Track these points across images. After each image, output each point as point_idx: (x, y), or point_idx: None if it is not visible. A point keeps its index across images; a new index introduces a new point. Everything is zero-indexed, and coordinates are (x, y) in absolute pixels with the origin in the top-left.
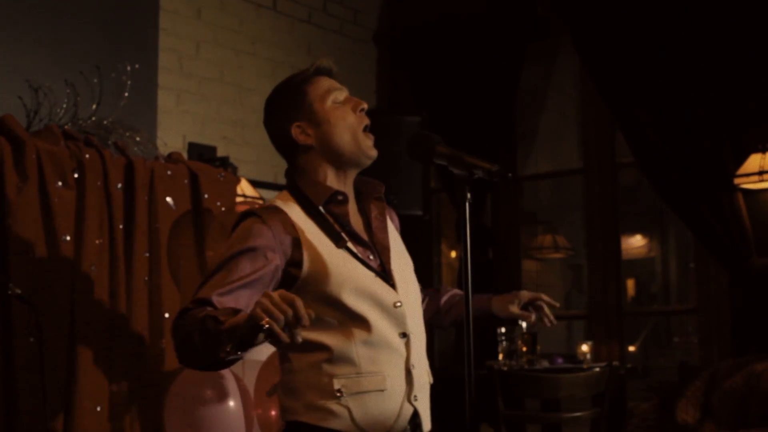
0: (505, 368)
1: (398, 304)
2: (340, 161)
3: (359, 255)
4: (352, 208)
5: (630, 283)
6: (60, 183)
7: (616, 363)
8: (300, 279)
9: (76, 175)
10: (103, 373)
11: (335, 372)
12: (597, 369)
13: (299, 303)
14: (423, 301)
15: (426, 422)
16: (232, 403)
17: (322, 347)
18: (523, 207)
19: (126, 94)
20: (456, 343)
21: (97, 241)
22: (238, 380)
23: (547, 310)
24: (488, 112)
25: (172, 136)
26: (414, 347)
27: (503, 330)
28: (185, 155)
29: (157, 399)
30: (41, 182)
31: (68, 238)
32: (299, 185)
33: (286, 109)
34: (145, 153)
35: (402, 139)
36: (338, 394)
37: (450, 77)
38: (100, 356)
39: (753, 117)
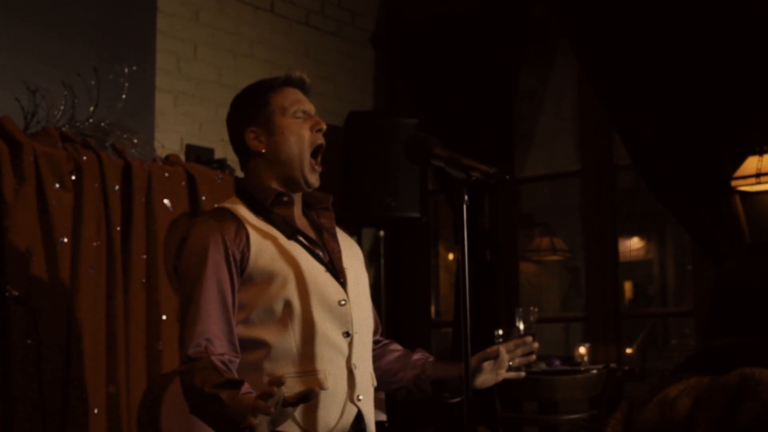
0: None
1: (343, 302)
2: (285, 174)
3: (310, 248)
4: (299, 213)
5: (627, 286)
6: (57, 185)
7: (613, 365)
8: (247, 270)
9: (73, 177)
10: (101, 374)
11: (275, 371)
12: (594, 371)
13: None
14: (389, 352)
15: (370, 425)
16: None
17: (263, 344)
18: (520, 209)
19: (123, 96)
20: (453, 345)
21: (94, 243)
22: None
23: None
24: (486, 114)
25: (169, 138)
26: (357, 347)
27: (500, 332)
28: (183, 157)
29: (154, 400)
30: (39, 184)
31: (66, 239)
32: (247, 188)
33: (246, 113)
34: (142, 155)
35: (400, 141)
36: None
37: (448, 79)
38: (98, 358)
39: (750, 119)
